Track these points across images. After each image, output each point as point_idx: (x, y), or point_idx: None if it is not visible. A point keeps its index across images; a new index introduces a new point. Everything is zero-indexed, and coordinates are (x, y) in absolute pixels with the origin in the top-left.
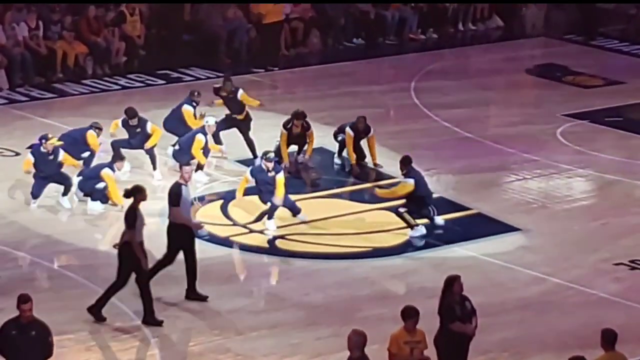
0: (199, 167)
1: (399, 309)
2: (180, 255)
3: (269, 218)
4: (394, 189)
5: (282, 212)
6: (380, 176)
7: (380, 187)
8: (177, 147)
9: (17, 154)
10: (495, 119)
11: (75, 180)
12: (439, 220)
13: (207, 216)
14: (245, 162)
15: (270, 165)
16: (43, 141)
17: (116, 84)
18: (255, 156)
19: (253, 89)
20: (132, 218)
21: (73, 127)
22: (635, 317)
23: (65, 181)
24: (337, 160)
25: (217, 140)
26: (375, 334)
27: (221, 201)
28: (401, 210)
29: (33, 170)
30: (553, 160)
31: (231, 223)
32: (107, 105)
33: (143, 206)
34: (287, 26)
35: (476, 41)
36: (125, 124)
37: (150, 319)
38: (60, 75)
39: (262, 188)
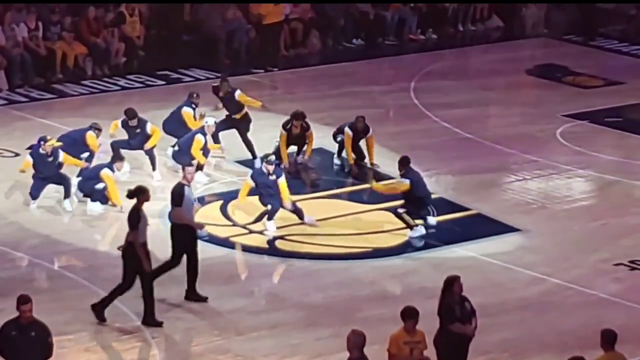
0: (199, 167)
1: (399, 310)
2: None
3: (269, 219)
4: (390, 185)
5: (283, 213)
6: (379, 176)
7: (377, 180)
8: (176, 147)
9: (17, 154)
10: (495, 120)
11: (75, 180)
12: (432, 220)
13: (207, 217)
14: (244, 163)
15: (271, 168)
16: (42, 143)
17: (116, 84)
18: (254, 157)
19: (253, 90)
20: (135, 219)
21: (72, 127)
22: (635, 318)
23: (63, 181)
24: (336, 161)
25: (216, 140)
26: (375, 334)
27: (221, 202)
28: (400, 210)
29: (27, 170)
30: (553, 161)
31: (231, 224)
32: (106, 106)
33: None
34: (287, 27)
35: (476, 41)
36: (124, 125)
37: (150, 320)
38: (60, 76)
39: (263, 191)
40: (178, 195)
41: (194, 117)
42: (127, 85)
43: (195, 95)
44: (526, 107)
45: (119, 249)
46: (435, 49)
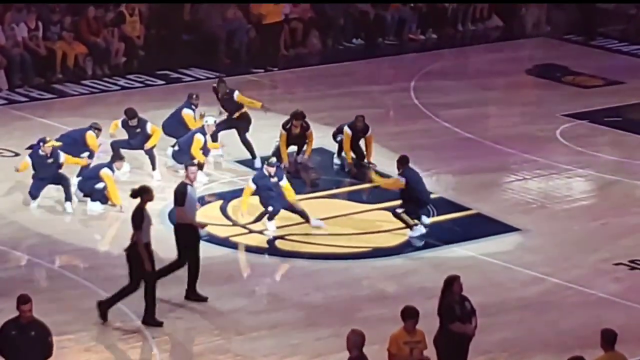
0: (199, 167)
1: (399, 309)
2: None
3: (270, 219)
4: (388, 181)
5: (283, 213)
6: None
7: (377, 172)
8: (176, 147)
9: (17, 154)
10: (495, 119)
11: (75, 180)
12: (426, 220)
13: (207, 217)
14: (244, 163)
15: (273, 170)
16: (41, 144)
17: (116, 84)
18: (253, 157)
19: (253, 90)
20: (139, 219)
21: (72, 127)
22: (635, 317)
23: (63, 182)
24: (336, 161)
25: (214, 140)
26: (375, 334)
27: (221, 201)
28: (398, 211)
29: (23, 170)
30: (553, 161)
31: (231, 223)
32: (106, 105)
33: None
34: (287, 26)
35: (476, 41)
36: (125, 125)
37: (150, 320)
38: (60, 75)
39: (264, 194)
40: (181, 195)
41: (194, 118)
42: (127, 85)
43: (194, 96)
44: (526, 107)
45: (125, 250)
46: (435, 49)
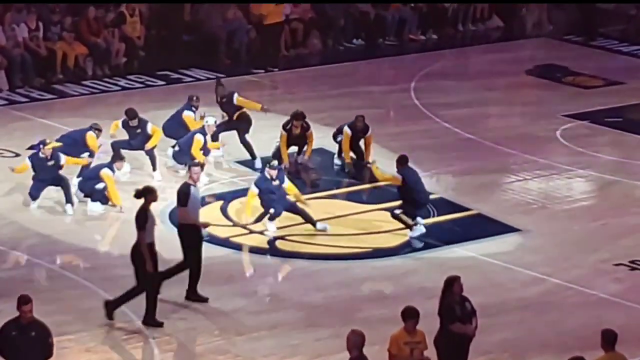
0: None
1: (399, 310)
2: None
3: (270, 220)
4: (386, 175)
5: (284, 213)
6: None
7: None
8: (176, 148)
9: (17, 154)
10: (495, 120)
11: (75, 181)
12: (420, 220)
13: (207, 217)
14: (244, 163)
15: (274, 173)
16: (41, 146)
17: (116, 84)
18: (253, 157)
19: (253, 90)
20: (143, 219)
21: (73, 128)
22: (635, 318)
23: (62, 183)
24: (336, 161)
25: (214, 140)
26: (375, 334)
27: (221, 202)
28: (397, 212)
29: (21, 172)
30: (553, 161)
31: (231, 224)
32: (107, 106)
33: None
34: (287, 27)
35: (476, 42)
36: (125, 125)
37: (150, 320)
38: (60, 76)
39: (265, 197)
40: (184, 195)
41: (195, 120)
42: (127, 85)
43: (195, 98)
44: (526, 107)
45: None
46: (436, 49)
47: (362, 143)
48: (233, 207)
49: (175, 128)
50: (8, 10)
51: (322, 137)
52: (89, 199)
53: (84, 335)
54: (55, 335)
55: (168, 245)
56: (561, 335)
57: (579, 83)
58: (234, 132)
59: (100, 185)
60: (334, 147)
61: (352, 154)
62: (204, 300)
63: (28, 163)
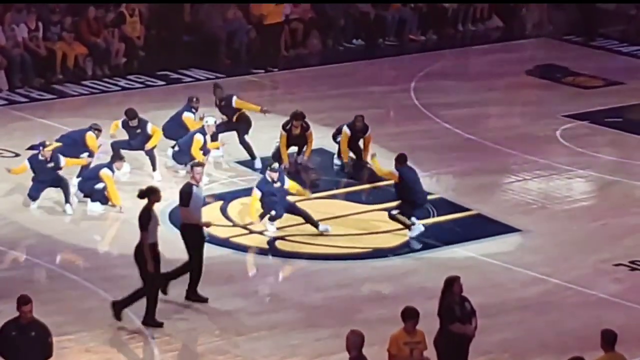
0: None
1: (399, 310)
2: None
3: (271, 220)
4: (384, 169)
5: (285, 215)
6: (377, 176)
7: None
8: (176, 148)
9: (17, 154)
10: (495, 120)
11: (75, 181)
12: (415, 221)
13: (207, 217)
14: (244, 163)
15: (275, 175)
16: (41, 148)
17: (116, 85)
18: (253, 158)
19: (253, 90)
20: (146, 219)
21: (73, 128)
22: (635, 318)
23: (62, 184)
24: (336, 161)
25: (214, 140)
26: (375, 334)
27: (221, 202)
28: (394, 212)
29: (18, 174)
30: (553, 161)
31: (231, 224)
32: (106, 106)
33: (141, 206)
34: (287, 27)
35: (476, 42)
36: (125, 125)
37: (150, 320)
38: (60, 76)
39: (266, 199)
40: (186, 195)
41: (195, 121)
42: (127, 85)
43: (195, 99)
44: (526, 107)
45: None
46: (436, 49)
47: (361, 143)
48: (233, 207)
49: (175, 129)
50: (8, 10)
51: (321, 138)
52: (88, 199)
53: (84, 336)
54: (55, 335)
55: (169, 245)
56: (561, 335)
57: (579, 83)
58: (234, 133)
59: (99, 186)
60: (333, 148)
61: (351, 154)
62: (204, 300)
63: (27, 164)
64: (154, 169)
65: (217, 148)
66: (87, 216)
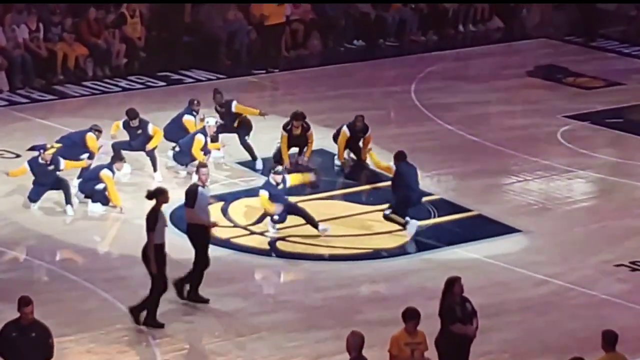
0: None
1: (400, 311)
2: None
3: (273, 221)
4: (382, 163)
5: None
6: (376, 176)
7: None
8: (177, 148)
9: (18, 155)
10: (496, 121)
11: (76, 182)
12: (409, 220)
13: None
14: (245, 164)
15: (279, 178)
16: (41, 151)
17: (116, 85)
18: (254, 159)
19: (253, 91)
20: (153, 220)
21: (73, 129)
22: (637, 319)
23: (62, 186)
24: (336, 162)
25: (215, 141)
26: (375, 335)
27: (222, 203)
28: (387, 212)
29: (17, 176)
30: (554, 162)
31: (232, 225)
32: (107, 107)
33: (142, 206)
34: (288, 28)
35: (477, 43)
36: (126, 126)
37: (151, 321)
38: (61, 77)
39: (271, 201)
40: (192, 195)
41: (195, 124)
42: (127, 86)
43: (195, 102)
44: (527, 108)
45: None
46: (436, 50)
47: (361, 143)
48: (234, 208)
49: (176, 132)
50: (8, 11)
51: (322, 138)
52: (89, 200)
53: (85, 337)
54: (56, 336)
55: (174, 246)
56: (562, 336)
57: (580, 84)
58: (235, 134)
59: (100, 186)
60: (334, 148)
61: (352, 155)
62: (205, 301)
63: (26, 167)
64: (154, 170)
65: (218, 149)
66: (88, 217)
